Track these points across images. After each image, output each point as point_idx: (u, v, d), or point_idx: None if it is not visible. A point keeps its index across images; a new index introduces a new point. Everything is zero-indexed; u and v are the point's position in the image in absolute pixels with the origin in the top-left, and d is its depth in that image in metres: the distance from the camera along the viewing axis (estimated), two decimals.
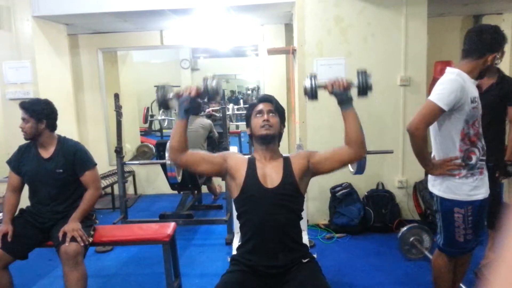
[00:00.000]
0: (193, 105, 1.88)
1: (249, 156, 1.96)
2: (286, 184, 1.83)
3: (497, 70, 2.79)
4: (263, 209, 1.80)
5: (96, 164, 2.73)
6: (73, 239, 2.40)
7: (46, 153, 2.63)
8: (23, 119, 2.57)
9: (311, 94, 1.89)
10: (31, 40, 4.22)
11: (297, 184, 1.85)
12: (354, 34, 3.86)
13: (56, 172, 2.60)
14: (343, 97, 1.84)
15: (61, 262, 2.40)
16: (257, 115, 1.92)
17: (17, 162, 2.67)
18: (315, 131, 3.93)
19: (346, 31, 3.86)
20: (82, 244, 2.42)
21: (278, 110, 1.96)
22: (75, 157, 2.63)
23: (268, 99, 1.97)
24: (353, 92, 1.86)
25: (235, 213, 1.96)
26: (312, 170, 1.91)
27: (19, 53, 4.23)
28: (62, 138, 2.71)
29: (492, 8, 4.82)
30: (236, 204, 1.91)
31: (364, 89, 1.84)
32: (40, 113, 2.57)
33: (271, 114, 1.91)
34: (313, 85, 1.88)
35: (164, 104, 1.97)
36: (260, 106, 1.93)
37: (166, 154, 2.99)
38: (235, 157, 1.95)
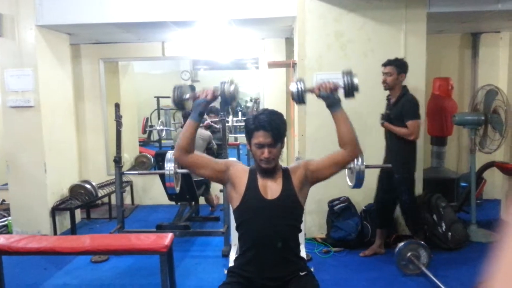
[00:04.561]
0: (207, 108, 1.84)
1: (251, 167, 1.94)
2: (285, 196, 1.83)
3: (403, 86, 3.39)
4: (262, 220, 1.80)
5: None
6: None
7: None
8: None
9: (298, 98, 1.90)
10: (33, 48, 4.25)
11: (297, 196, 1.86)
12: (354, 49, 3.90)
13: None
14: (330, 100, 1.85)
15: None
16: (257, 146, 1.80)
17: None
18: (314, 145, 3.93)
19: (346, 46, 3.90)
20: None
21: (279, 138, 1.82)
22: None
23: (268, 127, 1.78)
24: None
25: (233, 225, 1.95)
26: (310, 179, 1.91)
27: (21, 61, 4.25)
28: None
29: (490, 26, 4.89)
30: (236, 214, 1.89)
31: (350, 90, 1.85)
32: None
33: (271, 148, 1.80)
34: (300, 90, 1.88)
35: (180, 104, 1.94)
36: (260, 138, 1.78)
37: (166, 165, 2.98)
38: (237, 166, 1.94)
